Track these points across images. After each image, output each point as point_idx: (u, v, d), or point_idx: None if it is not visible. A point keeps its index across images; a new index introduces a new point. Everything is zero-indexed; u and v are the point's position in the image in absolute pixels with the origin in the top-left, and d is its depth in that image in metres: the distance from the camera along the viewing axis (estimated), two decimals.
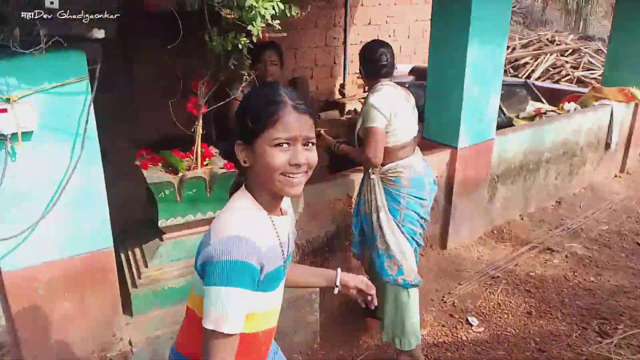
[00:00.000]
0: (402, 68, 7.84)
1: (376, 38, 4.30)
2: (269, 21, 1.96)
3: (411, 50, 8.50)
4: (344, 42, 7.49)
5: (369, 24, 7.81)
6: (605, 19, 15.52)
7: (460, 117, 3.66)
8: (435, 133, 3.90)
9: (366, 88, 3.06)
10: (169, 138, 2.74)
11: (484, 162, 4.03)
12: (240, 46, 2.26)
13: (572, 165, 5.08)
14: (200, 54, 2.52)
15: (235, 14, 1.98)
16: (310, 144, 1.20)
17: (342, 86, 7.74)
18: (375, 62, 2.82)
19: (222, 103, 2.60)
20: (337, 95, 7.80)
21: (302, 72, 7.28)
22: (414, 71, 6.73)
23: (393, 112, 2.66)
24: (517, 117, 5.08)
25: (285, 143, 1.15)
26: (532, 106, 5.31)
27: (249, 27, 1.96)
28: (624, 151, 5.74)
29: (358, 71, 2.99)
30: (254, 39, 2.07)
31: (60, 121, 2.00)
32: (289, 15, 2.13)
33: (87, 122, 2.05)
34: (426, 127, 3.96)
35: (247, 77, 2.52)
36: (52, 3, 1.81)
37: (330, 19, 7.29)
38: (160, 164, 2.71)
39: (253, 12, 1.93)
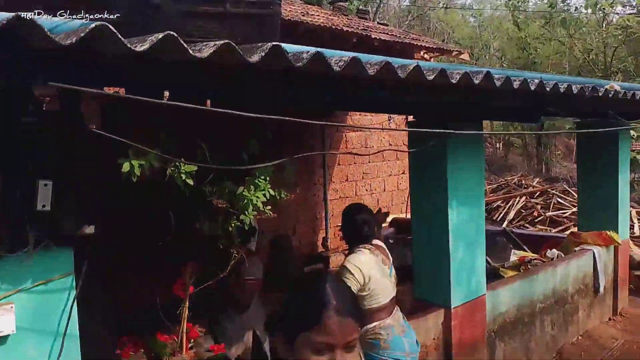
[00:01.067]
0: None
1: (357, 203, 4.41)
2: (261, 208, 2.01)
3: (388, 202, 8.79)
4: (324, 199, 7.74)
5: (347, 180, 8.16)
6: (565, 160, 16.66)
7: (450, 277, 3.64)
8: (426, 292, 3.83)
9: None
10: (156, 310, 2.62)
11: (479, 319, 3.91)
12: (230, 229, 2.28)
13: (566, 314, 4.98)
14: (186, 235, 2.53)
15: (226, 202, 2.04)
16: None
17: (325, 239, 7.81)
18: (356, 231, 2.94)
19: (209, 283, 2.55)
20: (321, 249, 7.82)
21: (285, 230, 7.36)
22: (393, 224, 6.88)
23: (367, 276, 2.71)
24: (503, 266, 5.09)
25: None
26: (515, 255, 5.38)
27: (242, 217, 1.99)
28: (612, 294, 5.71)
29: (340, 226, 3.13)
30: (246, 227, 2.09)
31: (40, 320, 1.89)
32: (279, 198, 2.20)
33: (69, 319, 1.95)
34: (416, 287, 3.91)
35: (236, 256, 2.51)
36: (44, 206, 1.82)
37: (310, 178, 7.61)
38: (142, 351, 2.56)
39: (245, 201, 1.98)
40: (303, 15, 8.03)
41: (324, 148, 7.61)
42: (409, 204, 4.06)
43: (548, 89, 2.86)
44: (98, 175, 1.95)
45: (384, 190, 8.69)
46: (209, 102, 3.41)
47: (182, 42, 1.52)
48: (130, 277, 3.17)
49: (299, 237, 7.65)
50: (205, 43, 1.67)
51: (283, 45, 1.91)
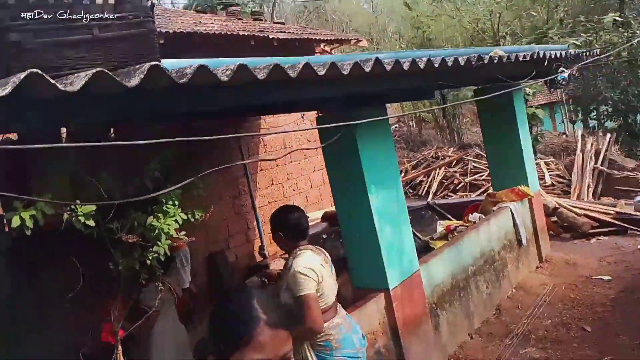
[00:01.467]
0: (314, 215, 8.07)
1: (284, 204, 4.39)
2: (174, 235, 1.94)
3: (317, 198, 8.86)
4: (253, 207, 7.66)
5: (272, 184, 8.12)
6: (474, 126, 17.59)
7: (383, 260, 3.72)
8: (364, 280, 3.90)
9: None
10: None
11: (418, 295, 4.04)
12: (148, 262, 2.18)
13: (496, 271, 5.26)
14: (106, 275, 2.39)
15: (137, 237, 1.94)
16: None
17: (262, 248, 7.73)
18: (294, 227, 2.80)
19: (141, 321, 2.42)
20: (259, 258, 7.73)
21: (218, 245, 7.21)
22: (325, 217, 6.92)
23: (320, 275, 2.63)
24: (432, 239, 5.29)
25: None
26: (441, 225, 5.60)
27: (155, 248, 1.91)
28: (535, 243, 6.11)
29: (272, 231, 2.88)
30: (162, 257, 2.01)
31: None
32: (193, 220, 2.13)
33: None
34: (353, 276, 3.96)
35: (162, 287, 2.41)
36: None
37: (234, 188, 7.49)
38: None
39: (156, 231, 1.90)
40: (196, 25, 7.86)
41: (242, 155, 7.52)
42: None
43: (436, 65, 2.99)
44: None
45: (311, 187, 8.75)
46: (112, 130, 3.24)
47: (48, 77, 1.42)
48: (51, 334, 2.96)
49: (235, 250, 7.52)
50: (77, 74, 1.57)
51: (165, 62, 1.85)
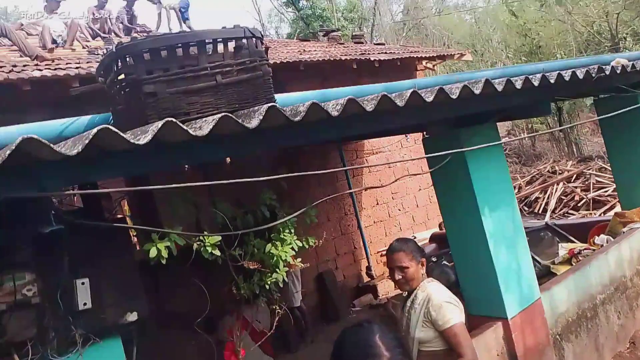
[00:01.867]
0: (421, 236, 7.91)
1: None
2: (291, 262, 2.02)
3: (424, 217, 8.67)
4: (359, 227, 7.70)
5: (377, 204, 8.12)
6: (595, 136, 16.17)
7: (499, 286, 3.53)
8: (480, 307, 3.72)
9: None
10: None
11: (540, 324, 3.76)
12: (267, 287, 2.29)
13: (629, 299, 4.75)
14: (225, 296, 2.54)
15: (257, 263, 2.05)
16: None
17: (369, 268, 7.73)
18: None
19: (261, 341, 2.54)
20: (366, 278, 7.74)
21: (326, 265, 7.33)
22: (434, 238, 6.75)
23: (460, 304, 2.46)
24: (553, 263, 4.91)
25: None
26: (563, 249, 5.18)
27: (274, 275, 2.00)
28: None
29: (405, 263, 2.41)
30: (280, 284, 2.10)
31: None
32: (307, 247, 2.21)
33: None
34: (468, 303, 3.79)
35: (280, 311, 2.51)
36: (85, 304, 1.87)
37: (340, 209, 7.60)
38: None
39: (275, 258, 1.99)
40: (301, 54, 8.20)
41: (347, 175, 7.61)
42: None
43: (552, 80, 2.82)
44: (130, 263, 2.00)
45: (417, 206, 8.60)
46: (228, 159, 3.47)
47: (181, 125, 1.57)
48: (180, 352, 3.19)
49: (342, 270, 7.60)
50: (204, 119, 1.72)
51: (279, 97, 1.96)
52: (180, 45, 1.73)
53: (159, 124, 1.53)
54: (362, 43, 9.66)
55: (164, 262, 1.83)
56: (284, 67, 7.25)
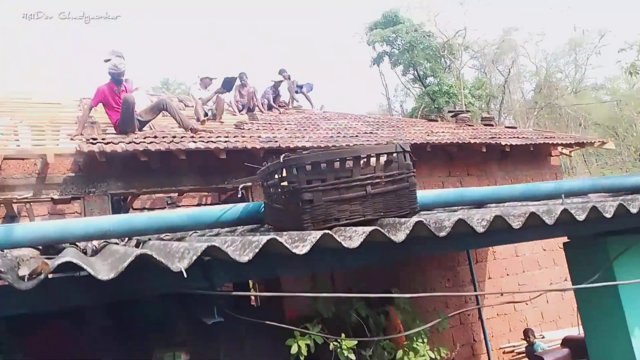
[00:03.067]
0: (551, 336, 7.23)
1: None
2: None
3: (555, 315, 7.95)
4: (480, 318, 7.27)
5: (501, 295, 7.63)
6: None
7: None
8: None
9: None
10: None
11: None
12: None
13: None
14: None
15: None
16: None
17: None
18: None
19: None
20: None
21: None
22: (567, 343, 6.12)
23: None
24: None
25: None
26: None
27: None
28: None
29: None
30: None
31: None
32: (439, 358, 2.17)
33: None
34: None
35: None
36: None
37: (460, 297, 7.27)
38: None
39: None
40: (428, 135, 8.30)
41: (469, 257, 7.29)
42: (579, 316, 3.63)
43: None
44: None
45: (547, 302, 7.93)
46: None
47: (336, 237, 1.69)
48: None
49: None
50: (354, 229, 1.84)
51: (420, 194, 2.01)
52: (338, 159, 1.90)
53: (317, 235, 1.68)
54: (492, 126, 9.51)
55: (302, 358, 1.92)
56: (412, 147, 7.38)
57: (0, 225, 2.37)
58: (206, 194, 9.12)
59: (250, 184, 6.92)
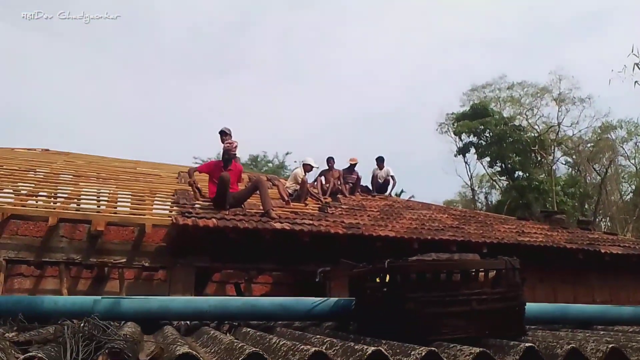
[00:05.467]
0: None
1: None
2: None
3: None
4: None
5: None
6: None
7: None
8: None
9: None
10: None
11: None
12: None
13: None
14: None
15: None
16: None
17: None
18: None
19: None
20: None
21: None
22: None
23: None
24: None
25: None
26: None
27: None
28: None
29: None
30: None
31: None
32: None
33: None
34: None
35: None
36: None
37: None
38: None
39: None
40: (519, 235, 7.93)
41: None
42: None
43: None
44: None
45: None
46: None
47: (441, 355, 1.61)
48: None
49: None
50: (459, 348, 1.75)
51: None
52: (445, 272, 1.85)
53: (422, 351, 1.61)
54: (590, 230, 8.92)
55: None
56: (502, 247, 7.07)
57: (109, 298, 2.52)
58: (282, 274, 9.18)
59: (328, 268, 6.93)
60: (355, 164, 10.64)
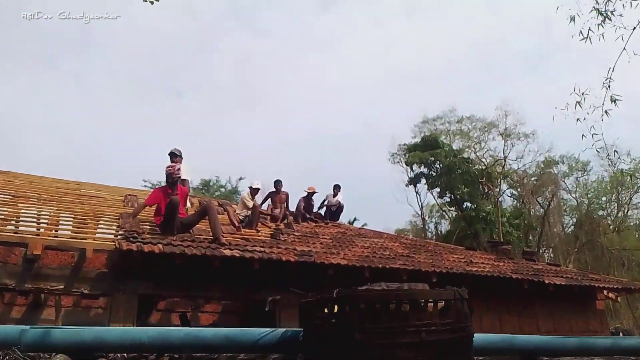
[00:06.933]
0: None
1: None
2: None
3: None
4: None
5: None
6: None
7: None
8: None
9: None
10: None
11: None
12: None
13: None
14: None
15: None
16: None
17: None
18: None
19: None
20: None
21: None
22: None
23: None
24: None
25: None
26: None
27: None
28: None
29: None
30: None
31: None
32: None
33: None
34: None
35: None
36: None
37: None
38: None
39: None
40: (467, 265, 8.08)
41: None
42: None
43: None
44: None
45: None
46: None
47: None
48: None
49: None
50: None
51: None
52: (394, 302, 1.82)
53: None
54: (534, 261, 9.21)
55: None
56: (450, 276, 7.16)
57: (38, 328, 2.33)
58: (231, 302, 8.92)
59: (279, 297, 6.76)
60: (314, 192, 10.60)
